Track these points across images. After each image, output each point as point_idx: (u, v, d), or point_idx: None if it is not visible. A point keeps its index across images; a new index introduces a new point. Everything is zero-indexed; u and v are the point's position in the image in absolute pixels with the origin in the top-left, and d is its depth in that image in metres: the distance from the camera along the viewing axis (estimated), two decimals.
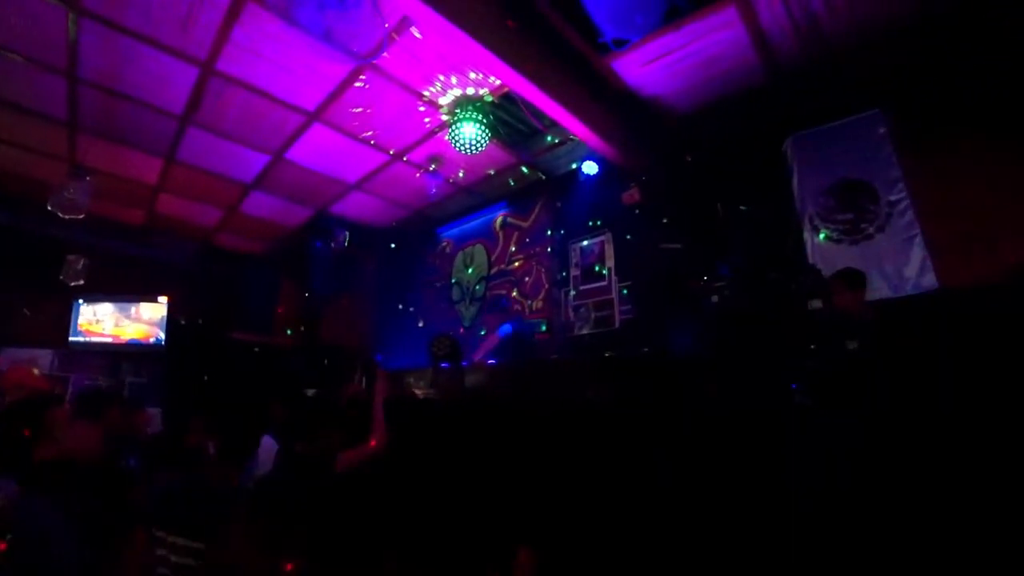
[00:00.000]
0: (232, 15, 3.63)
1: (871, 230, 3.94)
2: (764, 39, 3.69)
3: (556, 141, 5.20)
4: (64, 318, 7.09)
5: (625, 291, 5.00)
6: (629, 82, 4.20)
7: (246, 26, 3.72)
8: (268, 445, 3.82)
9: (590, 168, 5.24)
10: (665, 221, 4.68)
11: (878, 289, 3.70)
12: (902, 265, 3.74)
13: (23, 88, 4.50)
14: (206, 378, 6.85)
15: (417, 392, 3.81)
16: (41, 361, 6.86)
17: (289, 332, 8.30)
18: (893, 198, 3.87)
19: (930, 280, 3.60)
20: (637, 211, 4.92)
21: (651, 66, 3.99)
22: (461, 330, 6.71)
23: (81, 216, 5.18)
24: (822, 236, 4.09)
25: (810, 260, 4.03)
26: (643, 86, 4.25)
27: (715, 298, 3.62)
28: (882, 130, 3.99)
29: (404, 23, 3.68)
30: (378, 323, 7.76)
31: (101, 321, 7.26)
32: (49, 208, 5.05)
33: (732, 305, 3.46)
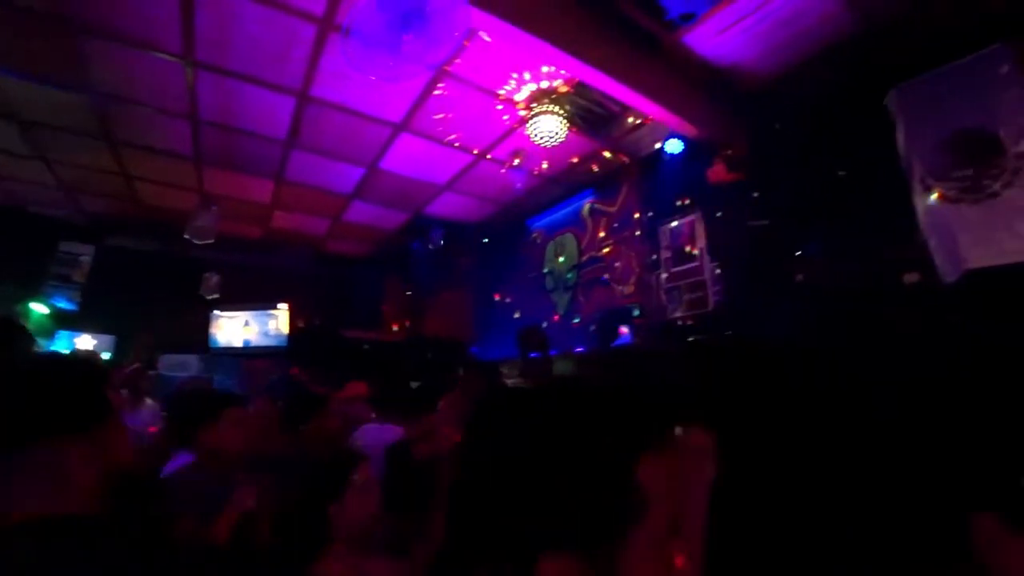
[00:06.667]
0: (318, 46, 3.95)
1: (996, 187, 3.44)
2: None
3: (637, 122, 5.09)
4: (205, 327, 8.10)
5: (718, 271, 4.84)
6: (704, 54, 4.02)
7: (330, 55, 4.02)
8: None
9: (674, 146, 5.07)
10: (755, 195, 4.46)
11: (1009, 252, 3.31)
12: None
13: (156, 133, 5.21)
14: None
15: (508, 382, 3.97)
16: (191, 364, 7.93)
17: (396, 328, 8.85)
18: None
19: None
20: (725, 187, 4.72)
21: (726, 34, 3.78)
22: (556, 318, 6.81)
23: (212, 240, 5.91)
24: (934, 196, 3.67)
25: (921, 225, 3.66)
26: (720, 56, 4.04)
27: (800, 276, 3.38)
28: (1006, 68, 3.39)
29: (472, 31, 3.80)
30: (476, 316, 8.07)
31: (235, 328, 8.21)
32: (186, 236, 5.81)
33: (820, 283, 3.23)
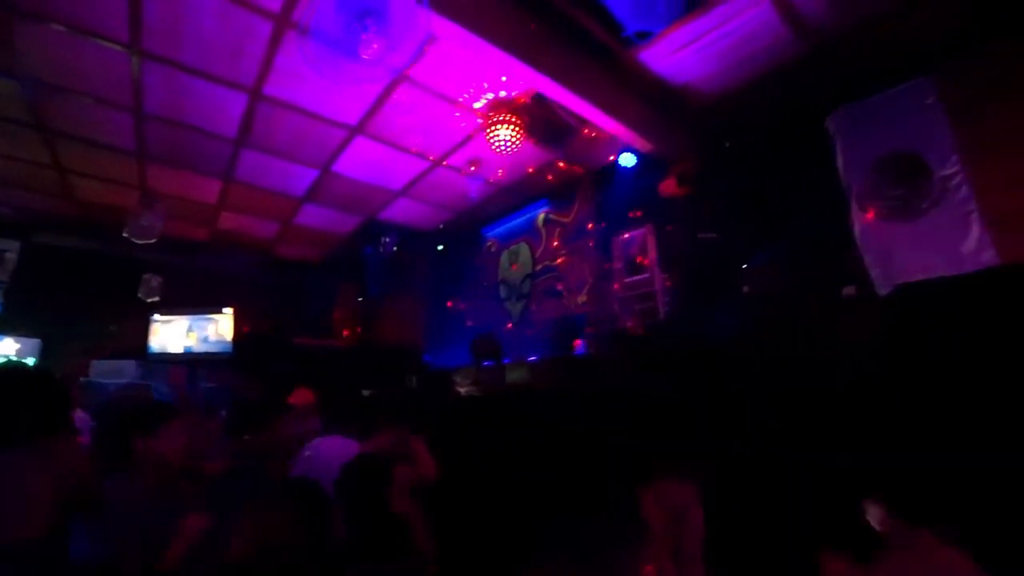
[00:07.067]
0: (274, 43, 3.87)
1: (924, 206, 3.72)
2: (794, 12, 3.50)
3: (592, 135, 5.19)
4: (145, 331, 7.70)
5: (668, 282, 4.98)
6: (659, 72, 4.14)
7: (286, 52, 3.94)
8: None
9: (628, 160, 5.20)
10: (704, 210, 4.62)
11: (935, 267, 3.55)
12: (959, 242, 3.56)
13: (95, 126, 4.96)
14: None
15: (461, 390, 3.97)
16: (127, 370, 7.49)
17: (346, 334, 8.66)
18: (947, 172, 3.66)
19: (990, 256, 3.42)
20: (676, 201, 4.87)
21: (680, 53, 3.92)
22: (509, 326, 6.82)
23: (154, 240, 5.64)
24: (868, 215, 3.90)
25: (858, 241, 3.89)
26: (674, 74, 4.18)
27: (746, 288, 3.55)
28: (931, 99, 3.73)
29: (432, 36, 3.80)
30: (429, 323, 8.00)
31: (175, 333, 7.83)
32: (125, 235, 5.53)
33: (765, 294, 3.40)
